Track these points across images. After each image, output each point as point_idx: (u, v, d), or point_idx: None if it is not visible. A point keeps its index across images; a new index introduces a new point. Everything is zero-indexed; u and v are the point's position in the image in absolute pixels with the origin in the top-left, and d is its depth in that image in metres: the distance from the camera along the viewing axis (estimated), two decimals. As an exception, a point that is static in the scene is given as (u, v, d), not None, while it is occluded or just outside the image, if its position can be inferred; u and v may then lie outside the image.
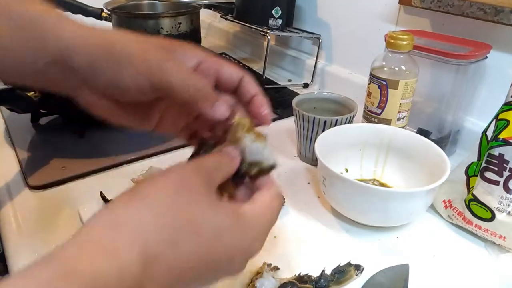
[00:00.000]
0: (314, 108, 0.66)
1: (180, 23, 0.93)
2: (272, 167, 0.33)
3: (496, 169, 0.47)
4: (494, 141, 0.47)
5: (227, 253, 0.27)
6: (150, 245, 0.23)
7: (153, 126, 0.36)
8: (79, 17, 0.96)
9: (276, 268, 0.44)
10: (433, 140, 0.54)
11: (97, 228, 0.23)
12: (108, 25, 0.97)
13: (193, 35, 0.98)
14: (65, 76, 0.31)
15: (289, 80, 0.97)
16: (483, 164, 0.48)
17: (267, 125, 0.35)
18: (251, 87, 0.35)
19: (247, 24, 0.93)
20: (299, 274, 0.42)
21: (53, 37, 0.30)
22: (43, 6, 0.32)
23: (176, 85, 0.30)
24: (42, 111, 0.71)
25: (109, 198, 0.52)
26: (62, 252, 0.21)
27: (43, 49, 0.30)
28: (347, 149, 0.58)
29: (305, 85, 0.93)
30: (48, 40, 0.30)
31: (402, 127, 0.62)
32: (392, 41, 0.58)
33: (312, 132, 0.60)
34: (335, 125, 0.59)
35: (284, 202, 0.53)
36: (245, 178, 0.33)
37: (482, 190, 0.48)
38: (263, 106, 0.35)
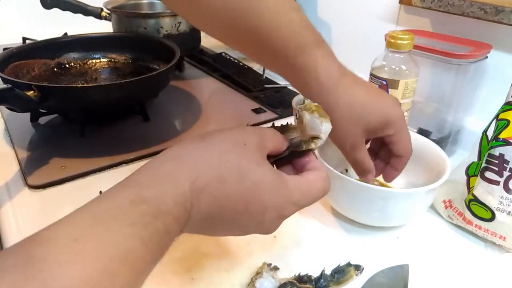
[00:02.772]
0: (314, 107, 0.66)
1: (180, 22, 0.93)
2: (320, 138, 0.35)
3: (496, 169, 0.47)
4: (494, 141, 0.47)
5: (263, 202, 0.30)
6: (201, 177, 0.28)
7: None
8: (79, 16, 0.96)
9: (275, 268, 0.44)
10: (433, 140, 0.54)
11: (165, 159, 0.29)
12: (108, 24, 0.97)
13: (193, 35, 0.98)
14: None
15: (289, 80, 0.96)
16: (484, 164, 0.48)
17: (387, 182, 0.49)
18: (402, 162, 0.45)
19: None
20: (299, 274, 0.42)
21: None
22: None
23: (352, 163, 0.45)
24: (41, 110, 0.71)
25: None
26: (137, 180, 0.27)
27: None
28: (347, 149, 0.58)
29: (305, 85, 0.93)
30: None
31: (402, 127, 0.62)
32: (392, 40, 0.58)
33: (312, 131, 0.60)
34: (335, 125, 0.58)
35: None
36: (290, 159, 0.36)
37: (482, 190, 0.48)
38: (396, 172, 0.47)
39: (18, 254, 0.22)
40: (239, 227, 0.32)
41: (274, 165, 0.35)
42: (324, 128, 0.34)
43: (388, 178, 0.48)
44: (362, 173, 0.45)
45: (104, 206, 0.25)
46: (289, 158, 0.36)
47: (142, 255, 0.24)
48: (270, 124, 0.37)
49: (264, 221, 0.31)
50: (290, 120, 0.67)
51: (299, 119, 0.36)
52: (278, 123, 0.37)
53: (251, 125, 0.38)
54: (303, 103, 0.36)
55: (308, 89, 0.42)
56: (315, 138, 0.35)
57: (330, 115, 0.35)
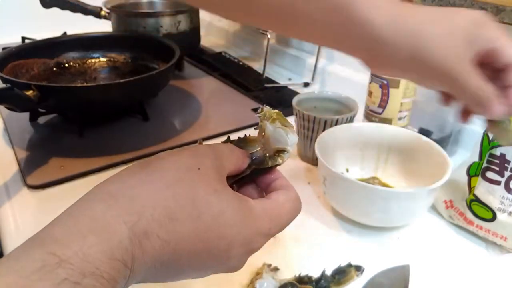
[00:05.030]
0: (315, 107, 0.66)
1: (180, 21, 0.93)
2: (285, 151, 0.31)
3: (498, 169, 0.47)
4: (495, 140, 0.47)
5: (226, 239, 0.25)
6: (144, 218, 0.22)
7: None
8: (78, 16, 0.95)
9: (276, 269, 0.44)
10: (434, 140, 0.54)
11: (93, 200, 0.23)
12: (107, 23, 0.97)
13: (193, 34, 0.98)
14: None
15: (290, 79, 0.96)
16: (484, 164, 0.48)
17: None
18: None
19: (247, 23, 0.92)
20: (299, 274, 0.42)
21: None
22: None
23: (467, 94, 0.34)
24: (40, 110, 0.70)
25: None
26: (52, 236, 0.21)
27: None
28: (347, 149, 0.58)
29: (306, 84, 0.93)
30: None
31: (403, 127, 0.62)
32: (393, 40, 0.58)
33: (312, 131, 0.60)
34: (336, 124, 0.58)
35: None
36: (253, 178, 0.31)
37: (483, 190, 0.47)
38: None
39: None
40: (199, 269, 0.26)
41: (235, 186, 0.30)
42: (291, 139, 0.31)
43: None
44: (485, 104, 0.34)
45: (6, 275, 0.19)
46: (252, 177, 0.31)
47: None
48: (234, 136, 0.33)
49: (230, 259, 0.26)
50: (291, 120, 0.67)
51: (260, 130, 0.31)
52: (256, 112, 0.32)
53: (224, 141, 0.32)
54: (261, 111, 0.31)
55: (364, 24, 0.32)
56: (280, 151, 0.31)
57: (411, 40, 0.30)
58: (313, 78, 0.93)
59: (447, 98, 0.40)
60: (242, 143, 0.31)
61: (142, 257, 0.22)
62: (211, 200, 0.25)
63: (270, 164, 0.31)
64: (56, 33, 0.92)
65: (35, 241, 0.21)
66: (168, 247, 0.23)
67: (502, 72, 0.34)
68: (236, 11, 0.37)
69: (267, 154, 0.31)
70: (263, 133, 0.31)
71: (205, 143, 0.70)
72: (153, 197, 0.23)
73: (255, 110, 0.79)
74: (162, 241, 0.23)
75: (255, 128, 0.32)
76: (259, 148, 0.31)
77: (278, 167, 0.31)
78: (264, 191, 0.31)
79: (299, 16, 0.33)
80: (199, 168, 0.26)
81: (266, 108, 0.31)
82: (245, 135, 0.32)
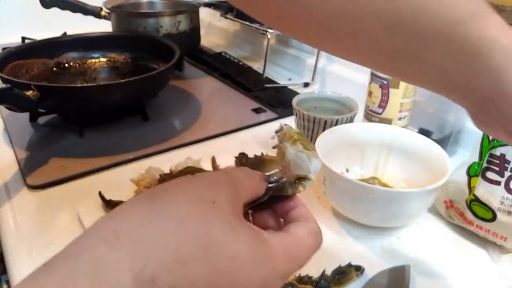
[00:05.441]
0: (315, 107, 0.66)
1: (180, 21, 0.93)
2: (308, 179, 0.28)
3: (498, 169, 0.46)
4: (495, 141, 0.47)
5: (241, 284, 0.22)
6: (151, 264, 0.19)
7: None
8: (78, 16, 0.95)
9: (276, 269, 0.43)
10: (434, 140, 0.54)
11: (96, 241, 0.20)
12: (107, 23, 0.97)
13: (193, 34, 0.98)
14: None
15: (290, 79, 0.96)
16: (485, 164, 0.48)
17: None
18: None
19: (247, 23, 0.93)
20: (299, 275, 0.42)
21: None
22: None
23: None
24: (40, 110, 0.70)
25: (108, 198, 0.51)
26: (48, 278, 0.18)
27: None
28: (347, 149, 0.58)
29: (306, 85, 0.93)
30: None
31: (403, 127, 0.62)
32: (393, 40, 0.58)
33: (312, 131, 0.60)
34: (336, 124, 0.58)
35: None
36: (270, 204, 0.28)
37: (483, 190, 0.47)
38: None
39: None
40: None
41: (249, 212, 0.28)
42: (314, 166, 0.28)
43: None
44: None
45: None
46: (269, 203, 0.28)
47: None
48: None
49: None
50: (290, 122, 0.66)
51: (279, 151, 0.29)
52: (276, 132, 0.29)
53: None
54: (281, 129, 0.28)
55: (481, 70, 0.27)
56: (302, 178, 0.28)
57: None
58: (313, 78, 0.93)
59: None
60: (259, 164, 0.28)
61: None
62: (226, 240, 0.22)
63: (289, 192, 0.28)
64: (56, 33, 0.92)
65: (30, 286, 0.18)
66: None
67: None
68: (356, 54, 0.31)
69: (287, 180, 0.28)
70: (283, 156, 0.28)
71: (205, 143, 0.70)
72: (162, 238, 0.20)
73: (255, 110, 0.79)
74: None
75: (273, 147, 0.30)
76: (277, 170, 0.28)
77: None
78: (282, 218, 0.29)
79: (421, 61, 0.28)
80: (213, 202, 0.23)
81: (286, 128, 0.29)
82: (262, 153, 0.29)
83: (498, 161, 0.46)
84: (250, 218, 0.28)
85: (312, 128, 0.60)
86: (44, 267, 0.19)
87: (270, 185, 0.27)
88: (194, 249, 0.21)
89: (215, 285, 0.21)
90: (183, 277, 0.20)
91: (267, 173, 0.28)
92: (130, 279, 0.19)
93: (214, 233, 0.21)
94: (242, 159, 0.29)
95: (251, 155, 0.30)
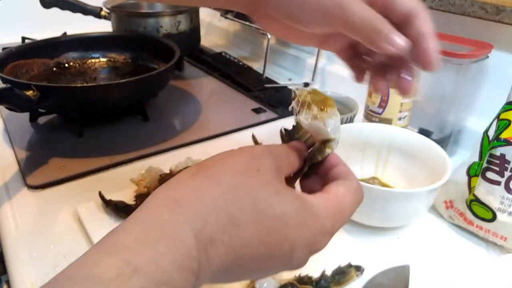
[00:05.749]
0: (315, 107, 0.66)
1: (180, 21, 0.93)
2: (331, 140, 0.29)
3: (498, 169, 0.46)
4: (495, 141, 0.47)
5: (289, 241, 0.25)
6: (208, 225, 0.22)
7: (317, 46, 0.37)
8: (78, 16, 0.96)
9: (276, 269, 0.43)
10: (434, 140, 0.54)
11: (158, 208, 0.22)
12: (107, 23, 0.97)
13: (193, 34, 0.98)
14: None
15: (290, 79, 0.96)
16: (485, 164, 0.48)
17: (433, 70, 0.30)
18: (422, 24, 0.30)
19: (247, 23, 0.93)
20: (299, 275, 0.42)
21: None
22: None
23: (355, 21, 0.30)
24: (40, 110, 0.70)
25: (108, 198, 0.51)
26: (123, 243, 0.20)
27: None
28: (347, 149, 0.58)
29: (306, 85, 0.93)
30: None
31: (403, 127, 0.62)
32: (393, 40, 0.58)
33: (312, 131, 0.60)
34: (336, 124, 0.58)
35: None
36: (310, 173, 0.30)
37: (483, 191, 0.47)
38: (431, 49, 0.30)
39: None
40: (261, 271, 0.26)
41: (299, 182, 0.30)
42: (332, 127, 0.28)
43: (428, 65, 0.31)
44: (378, 35, 0.30)
45: (79, 285, 0.19)
46: (311, 171, 0.30)
47: None
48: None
49: (293, 260, 0.26)
50: (290, 122, 0.66)
51: (298, 124, 0.30)
52: (280, 123, 0.32)
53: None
54: (294, 96, 0.29)
55: None
56: (326, 141, 0.29)
57: None
58: (313, 78, 0.93)
59: (358, 71, 0.38)
60: (293, 133, 0.30)
61: (208, 265, 0.22)
62: (272, 202, 0.24)
63: (320, 158, 0.30)
64: (56, 33, 0.92)
65: (106, 248, 0.20)
66: (232, 253, 0.23)
67: (405, 26, 0.31)
68: None
69: (314, 148, 0.30)
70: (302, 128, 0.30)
71: (205, 143, 0.70)
72: (215, 203, 0.23)
73: (255, 110, 0.79)
74: (226, 247, 0.23)
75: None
76: (309, 135, 0.30)
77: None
78: (323, 179, 0.30)
79: None
80: (258, 170, 0.25)
81: (299, 92, 0.29)
82: (293, 124, 0.31)
83: (498, 161, 0.46)
84: (295, 188, 0.29)
85: (312, 128, 0.60)
86: (117, 229, 0.21)
87: (307, 153, 0.30)
88: (244, 212, 0.23)
89: (266, 242, 0.24)
90: (237, 236, 0.23)
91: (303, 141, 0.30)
92: (192, 238, 0.21)
93: (261, 197, 0.24)
94: (284, 137, 0.31)
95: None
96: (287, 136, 0.31)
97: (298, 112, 0.30)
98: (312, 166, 0.30)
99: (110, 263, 0.19)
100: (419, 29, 0.30)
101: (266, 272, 0.26)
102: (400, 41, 0.29)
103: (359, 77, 0.38)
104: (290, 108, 0.31)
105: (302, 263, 0.27)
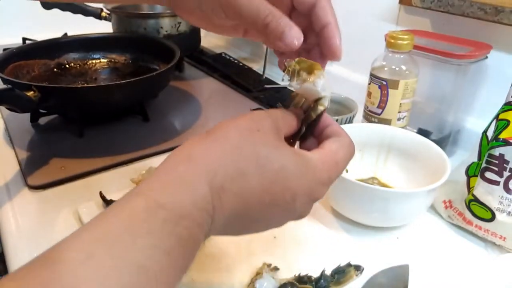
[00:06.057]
0: (314, 108, 0.66)
1: (180, 22, 0.93)
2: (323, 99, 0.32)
3: (496, 169, 0.47)
4: (494, 141, 0.47)
5: (290, 190, 0.28)
6: (219, 175, 0.26)
7: (241, 36, 0.40)
8: (79, 17, 0.96)
9: (275, 269, 0.44)
10: (433, 140, 0.54)
11: (175, 163, 0.27)
12: (108, 24, 0.97)
13: (193, 35, 0.98)
14: None
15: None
16: (484, 164, 0.48)
17: (337, 60, 0.34)
18: (324, 13, 0.33)
19: (247, 24, 0.93)
20: (299, 274, 0.42)
21: None
22: None
23: (248, 12, 0.32)
24: (41, 111, 0.70)
25: (108, 198, 0.51)
26: (148, 187, 0.25)
27: None
28: (347, 149, 0.58)
29: (305, 85, 0.93)
30: None
31: (402, 127, 0.62)
32: (392, 41, 0.58)
33: (312, 132, 0.60)
34: (335, 125, 0.58)
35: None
36: (307, 134, 0.33)
37: (482, 191, 0.48)
38: (334, 38, 0.33)
39: (32, 278, 0.20)
40: (268, 219, 0.29)
41: (298, 143, 0.34)
42: (321, 86, 0.31)
43: (332, 54, 0.34)
44: (281, 36, 0.31)
45: (114, 217, 0.23)
46: (307, 133, 0.33)
47: (166, 267, 0.22)
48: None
49: (296, 208, 0.29)
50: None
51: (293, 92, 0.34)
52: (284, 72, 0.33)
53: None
54: (284, 68, 0.32)
55: None
56: (318, 99, 0.32)
57: None
58: (313, 79, 0.93)
59: (282, 56, 0.39)
60: (291, 101, 0.34)
61: (221, 209, 0.26)
62: (272, 157, 0.28)
63: (314, 116, 0.33)
64: (56, 34, 0.92)
65: (133, 192, 0.25)
66: (241, 200, 0.27)
67: (311, 16, 0.34)
68: None
69: (309, 107, 0.33)
70: (297, 94, 0.33)
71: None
72: (224, 158, 0.27)
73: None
74: (235, 194, 0.26)
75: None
76: (304, 99, 0.33)
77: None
78: (318, 139, 0.34)
79: None
80: (258, 130, 0.28)
81: (287, 63, 0.32)
82: (291, 92, 0.34)
83: (497, 161, 0.47)
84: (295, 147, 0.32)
85: (312, 129, 0.60)
86: (140, 184, 0.25)
87: (303, 115, 0.33)
88: (248, 165, 0.27)
89: (269, 192, 0.27)
90: (243, 185, 0.27)
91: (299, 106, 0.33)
92: (206, 185, 0.25)
93: (262, 153, 0.27)
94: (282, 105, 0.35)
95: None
96: (284, 107, 0.35)
97: (290, 80, 0.33)
98: (308, 127, 0.33)
99: (138, 199, 0.24)
100: (321, 19, 0.33)
101: (273, 222, 0.30)
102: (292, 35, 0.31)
103: (281, 64, 0.37)
104: (281, 79, 0.34)
105: (304, 212, 0.31)
